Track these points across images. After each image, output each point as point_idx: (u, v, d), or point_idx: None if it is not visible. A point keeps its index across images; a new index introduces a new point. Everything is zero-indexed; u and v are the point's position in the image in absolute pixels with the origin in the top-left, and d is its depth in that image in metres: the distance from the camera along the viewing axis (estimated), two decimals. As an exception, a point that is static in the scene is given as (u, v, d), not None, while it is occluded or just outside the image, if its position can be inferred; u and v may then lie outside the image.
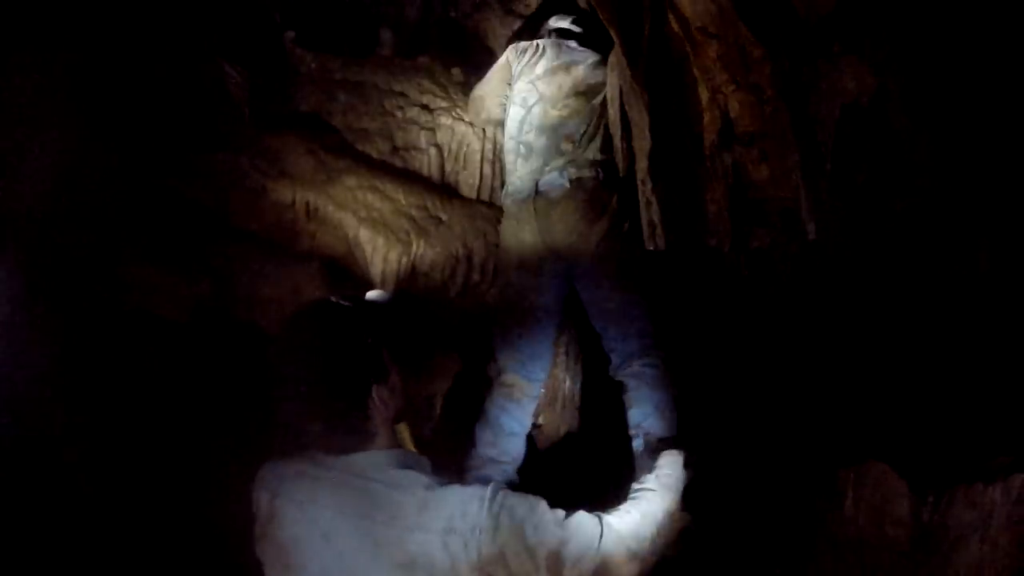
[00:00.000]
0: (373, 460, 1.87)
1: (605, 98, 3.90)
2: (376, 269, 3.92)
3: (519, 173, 3.85)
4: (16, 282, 3.21)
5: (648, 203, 3.70)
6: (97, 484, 3.22)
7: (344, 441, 1.88)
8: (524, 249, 3.78)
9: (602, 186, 3.81)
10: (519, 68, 4.01)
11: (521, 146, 3.86)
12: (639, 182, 3.71)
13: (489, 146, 4.27)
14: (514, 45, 4.15)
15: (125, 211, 3.53)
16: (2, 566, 2.91)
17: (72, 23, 3.56)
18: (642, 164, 3.65)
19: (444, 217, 4.09)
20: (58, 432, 3.20)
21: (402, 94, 4.34)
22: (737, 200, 3.66)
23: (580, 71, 3.93)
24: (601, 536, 1.93)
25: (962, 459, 3.06)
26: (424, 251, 3.99)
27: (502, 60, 4.12)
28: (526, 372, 3.79)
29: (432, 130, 4.34)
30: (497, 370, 3.83)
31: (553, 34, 4.10)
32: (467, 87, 4.31)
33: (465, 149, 4.35)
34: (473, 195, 4.31)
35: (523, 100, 3.94)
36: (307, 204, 3.89)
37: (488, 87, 4.17)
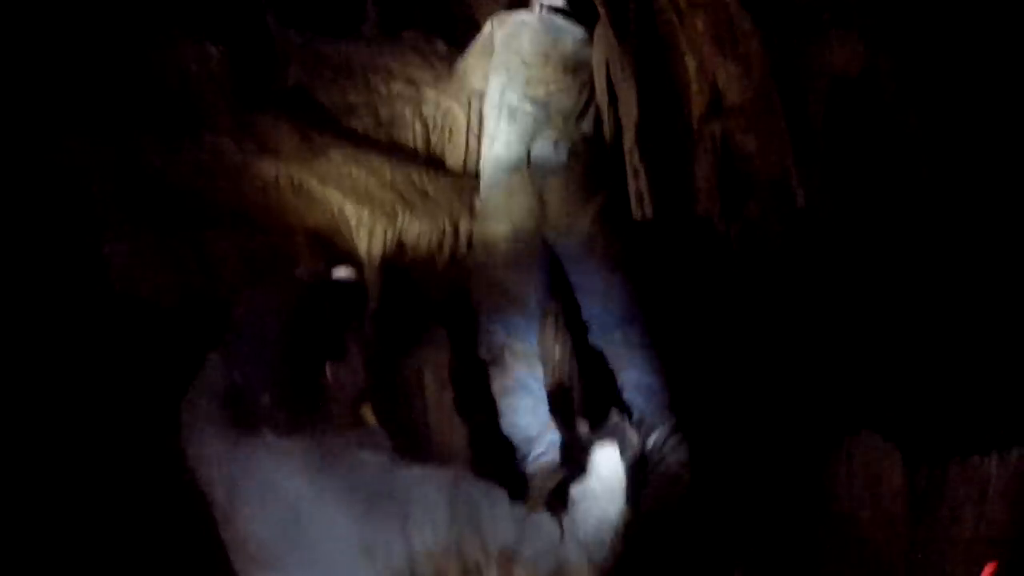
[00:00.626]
0: (330, 443, 1.81)
1: (592, 74, 3.88)
2: (362, 243, 3.88)
3: (505, 138, 3.80)
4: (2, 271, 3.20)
5: (636, 173, 3.68)
6: (85, 473, 3.19)
7: (295, 420, 1.81)
8: (514, 220, 3.74)
9: (595, 164, 3.79)
10: (502, 37, 3.97)
11: (505, 109, 3.82)
12: (626, 152, 3.70)
13: (475, 119, 4.20)
14: (496, 15, 4.11)
15: (108, 195, 3.50)
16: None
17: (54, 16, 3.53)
18: (629, 135, 3.64)
19: (430, 190, 4.05)
20: (45, 422, 3.17)
21: (387, 69, 4.29)
22: (726, 171, 3.65)
23: (568, 45, 3.90)
24: (561, 540, 1.87)
25: (957, 432, 3.06)
26: (410, 224, 3.94)
27: (485, 30, 4.09)
28: (528, 342, 3.76)
29: (417, 104, 4.29)
30: (495, 347, 3.77)
31: (544, 9, 4.04)
32: (452, 61, 4.25)
33: (451, 122, 4.30)
34: (459, 168, 4.27)
35: (506, 68, 3.90)
36: (292, 180, 3.84)
37: (471, 59, 4.14)
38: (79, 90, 3.60)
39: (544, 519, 1.89)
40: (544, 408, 3.72)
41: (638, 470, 3.51)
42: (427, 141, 4.32)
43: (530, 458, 3.61)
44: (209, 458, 1.90)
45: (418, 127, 4.28)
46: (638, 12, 3.56)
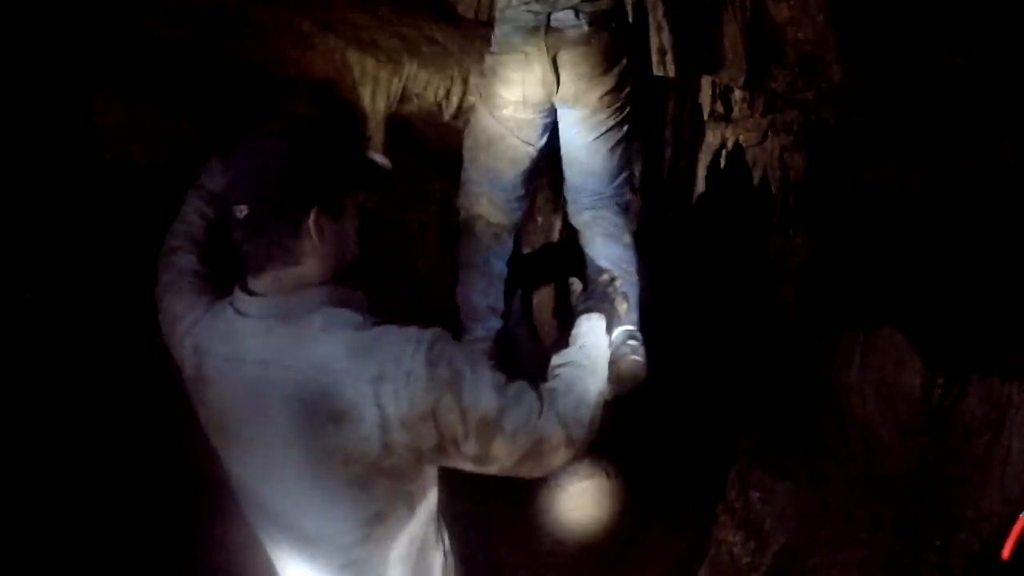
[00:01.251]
0: (301, 299, 1.70)
1: None
2: (366, 92, 3.68)
3: (515, 1, 3.52)
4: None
5: (659, 28, 3.49)
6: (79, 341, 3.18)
7: (267, 252, 1.71)
8: (525, 87, 3.53)
9: (614, 37, 3.53)
10: None
11: None
12: (649, 5, 3.47)
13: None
14: None
15: (97, 53, 3.27)
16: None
17: None
18: (654, -14, 3.40)
19: (439, 37, 3.81)
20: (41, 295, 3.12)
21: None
22: (755, 38, 3.43)
23: None
24: (541, 413, 1.73)
25: (980, 350, 3.01)
26: (417, 72, 3.74)
27: None
28: (509, 210, 3.64)
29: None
30: (474, 209, 3.64)
31: None
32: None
33: (462, -37, 3.95)
34: (471, 14, 3.98)
35: None
36: (291, 25, 3.57)
37: None
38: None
39: (525, 389, 1.76)
40: (498, 291, 3.66)
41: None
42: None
43: (468, 338, 3.60)
44: (181, 332, 1.86)
45: (429, -29, 3.93)
46: None
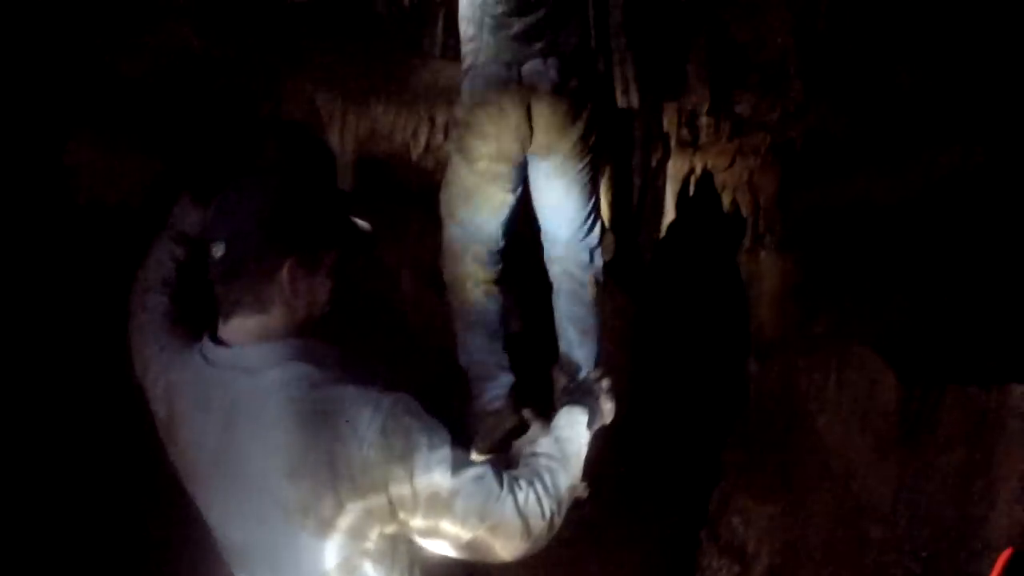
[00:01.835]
0: (265, 352, 1.66)
1: None
2: (335, 132, 3.74)
3: (489, 53, 3.59)
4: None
5: (622, 60, 3.53)
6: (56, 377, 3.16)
7: (238, 298, 1.67)
8: (500, 140, 3.59)
9: (582, 81, 3.63)
10: None
11: (487, 18, 3.58)
12: (612, 37, 3.53)
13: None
14: None
15: (68, 99, 3.32)
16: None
17: None
18: (616, 18, 3.46)
19: (406, 76, 3.87)
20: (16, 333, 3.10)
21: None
22: (718, 62, 3.49)
23: None
24: (499, 499, 1.68)
25: (957, 359, 2.99)
26: (384, 113, 3.79)
27: None
28: (494, 263, 3.67)
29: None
30: (459, 269, 3.67)
31: None
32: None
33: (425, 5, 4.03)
34: (436, 53, 4.05)
35: None
36: (261, 67, 3.65)
37: None
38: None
39: (486, 474, 1.69)
40: (500, 344, 3.67)
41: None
42: (403, 26, 4.04)
43: (484, 399, 3.60)
44: (154, 374, 1.83)
45: (394, 11, 4.00)
46: None
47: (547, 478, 1.84)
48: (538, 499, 1.74)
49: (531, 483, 1.78)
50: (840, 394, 3.09)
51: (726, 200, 3.59)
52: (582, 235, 3.68)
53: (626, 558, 3.63)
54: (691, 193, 3.67)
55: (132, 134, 3.41)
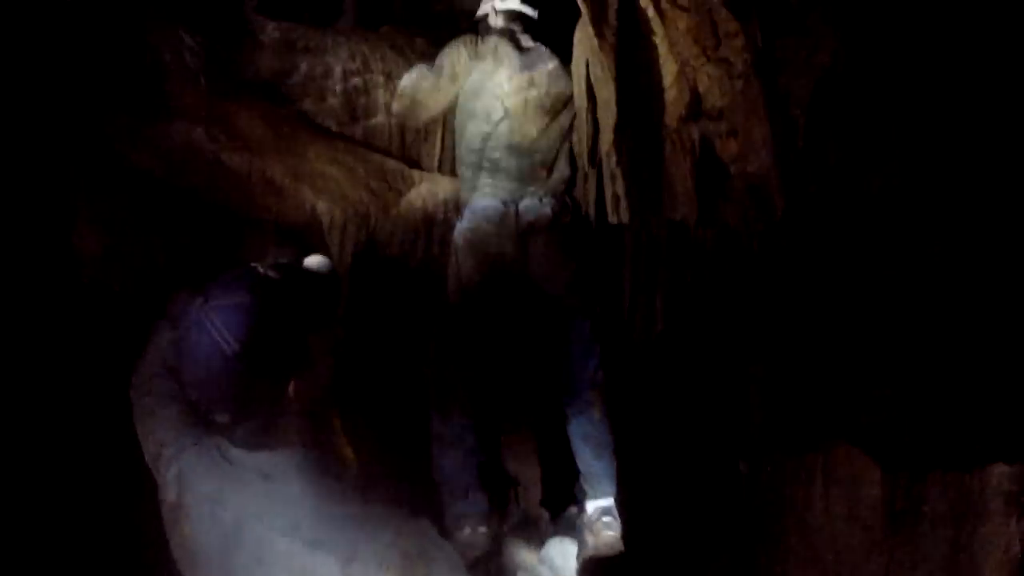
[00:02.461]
0: (282, 461, 1.72)
1: (571, 114, 3.89)
2: (334, 241, 3.84)
3: (486, 191, 3.78)
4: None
5: (612, 176, 3.68)
6: (57, 461, 3.13)
7: (252, 436, 1.71)
8: (495, 266, 3.74)
9: (577, 213, 3.84)
10: (479, 73, 3.86)
11: (486, 161, 3.77)
12: (603, 155, 3.70)
13: (451, 117, 4.12)
14: (468, 42, 3.92)
15: (78, 182, 3.43)
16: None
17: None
18: (607, 137, 3.63)
19: (404, 189, 4.02)
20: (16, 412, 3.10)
21: (364, 64, 4.23)
22: (704, 175, 3.63)
23: (543, 80, 3.83)
24: None
25: (938, 445, 3.03)
26: (383, 223, 3.92)
27: (453, 61, 3.89)
28: (482, 387, 3.78)
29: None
30: (444, 394, 3.76)
31: (501, 16, 3.97)
32: (430, 58, 4.14)
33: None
34: (434, 166, 4.25)
35: (487, 115, 3.81)
36: (264, 174, 3.76)
37: (437, 92, 3.93)
38: (50, 74, 3.52)
39: None
40: (474, 462, 3.72)
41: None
42: (402, 139, 4.27)
43: (454, 513, 3.61)
44: (167, 458, 1.83)
45: (393, 124, 4.22)
46: (620, 11, 3.53)
47: None
48: None
49: None
50: (828, 491, 3.11)
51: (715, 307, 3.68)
52: (589, 373, 3.77)
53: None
54: (681, 301, 3.76)
55: (138, 224, 3.50)
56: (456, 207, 4.00)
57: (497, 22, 3.95)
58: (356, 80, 4.20)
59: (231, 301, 1.70)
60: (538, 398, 4.05)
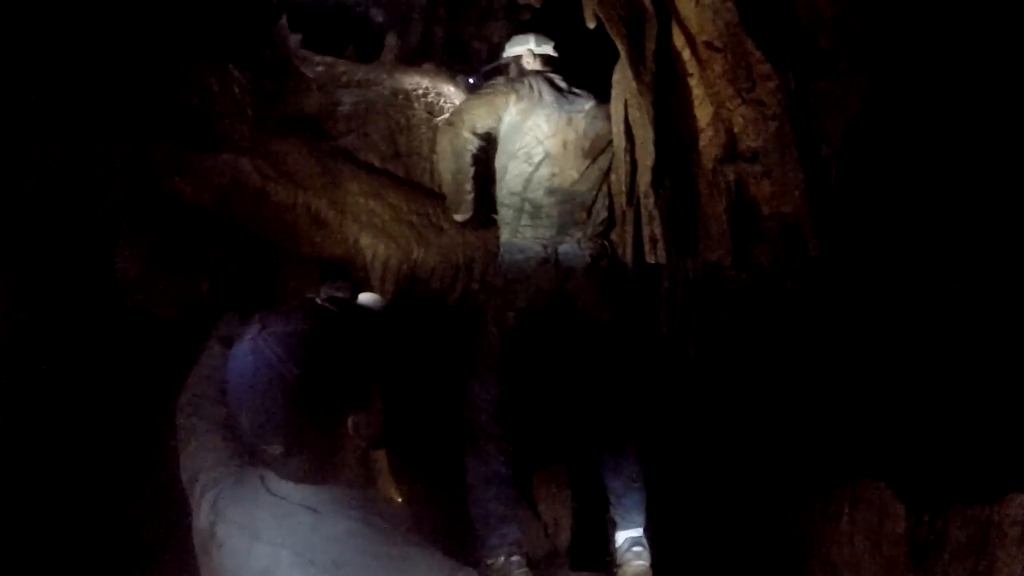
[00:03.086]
0: (330, 497, 1.62)
1: (609, 156, 3.92)
2: (376, 275, 3.92)
3: (527, 233, 3.79)
4: (15, 280, 3.20)
5: (651, 217, 3.70)
6: (91, 484, 3.20)
7: (304, 470, 1.62)
8: (533, 306, 3.78)
9: (613, 261, 3.88)
10: (519, 110, 3.87)
11: (527, 203, 3.80)
12: (641, 195, 3.71)
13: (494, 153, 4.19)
14: (508, 80, 4.01)
15: (126, 210, 3.52)
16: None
17: (77, 23, 3.54)
18: (645, 178, 3.65)
19: (445, 225, 4.09)
20: (55, 431, 3.17)
21: (406, 99, 4.33)
22: (738, 216, 3.66)
23: (582, 123, 3.88)
24: None
25: (959, 479, 3.07)
26: (424, 258, 3.98)
27: (500, 90, 3.93)
28: (514, 421, 3.83)
29: (435, 136, 4.27)
30: (477, 426, 3.80)
31: (538, 60, 4.08)
32: (471, 93, 4.22)
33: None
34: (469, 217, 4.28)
35: (527, 155, 3.83)
36: (308, 208, 3.87)
37: (484, 103, 3.94)
38: (104, 106, 3.62)
39: None
40: (508, 494, 3.75)
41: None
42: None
43: (489, 544, 3.65)
44: (204, 484, 1.79)
45: (435, 160, 4.24)
46: (657, 53, 3.58)
47: None
48: None
49: None
50: (852, 527, 3.15)
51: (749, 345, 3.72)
52: (620, 394, 3.81)
53: None
54: (715, 340, 3.80)
55: (180, 252, 3.59)
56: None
57: (534, 64, 4.03)
58: (398, 116, 4.29)
59: (291, 328, 1.62)
60: (571, 433, 4.07)
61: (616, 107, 3.78)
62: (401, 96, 4.33)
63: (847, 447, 3.38)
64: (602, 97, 3.91)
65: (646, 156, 3.61)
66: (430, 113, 4.30)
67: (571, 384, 3.96)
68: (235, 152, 3.88)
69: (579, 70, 4.03)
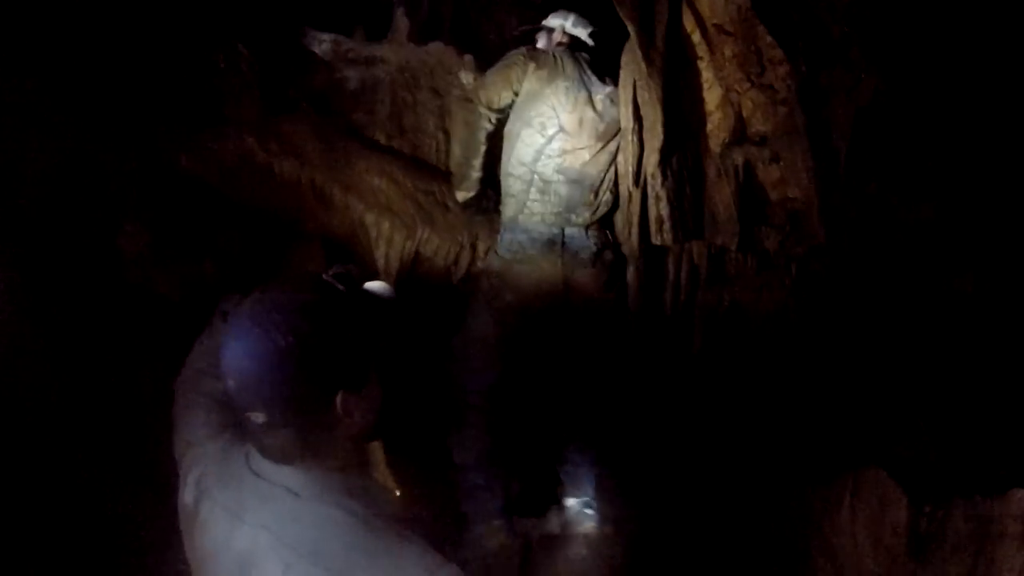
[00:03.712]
0: (311, 480, 1.60)
1: (618, 141, 3.88)
2: (380, 252, 3.90)
3: (535, 209, 3.78)
4: (17, 258, 3.19)
5: (657, 198, 3.69)
6: (93, 466, 3.18)
7: (285, 448, 1.59)
8: (533, 297, 3.77)
9: (617, 255, 3.91)
10: (539, 77, 3.84)
11: (536, 177, 3.80)
12: (648, 176, 3.70)
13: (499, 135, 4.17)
14: (529, 50, 3.96)
15: (131, 185, 3.50)
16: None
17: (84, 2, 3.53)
18: (652, 159, 3.64)
19: (450, 203, 4.08)
20: (55, 412, 3.15)
21: (413, 78, 4.30)
22: (746, 200, 3.66)
23: (599, 104, 3.83)
24: None
25: (961, 471, 3.06)
26: (429, 236, 3.97)
27: (517, 60, 3.91)
28: (502, 399, 3.83)
29: (441, 115, 4.31)
30: (467, 415, 3.81)
31: (567, 38, 4.03)
32: (478, 74, 4.20)
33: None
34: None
35: (541, 125, 3.81)
36: (313, 184, 3.85)
37: (500, 77, 3.93)
38: (110, 85, 3.60)
39: None
40: (497, 471, 3.78)
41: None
42: (448, 154, 4.32)
43: (473, 519, 3.67)
44: (192, 459, 1.77)
45: (441, 138, 4.29)
46: (667, 36, 3.56)
47: None
48: None
49: None
50: (854, 516, 3.15)
51: (753, 330, 3.71)
52: (603, 383, 3.81)
53: None
54: (719, 325, 3.79)
55: (185, 229, 3.57)
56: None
57: (563, 39, 4.00)
58: (405, 94, 4.26)
59: (292, 298, 1.60)
60: (550, 414, 4.05)
61: (625, 88, 3.76)
62: (408, 74, 4.31)
63: (850, 436, 3.37)
64: (614, 78, 3.88)
65: (654, 138, 3.60)
66: (436, 92, 4.27)
67: (553, 369, 3.94)
68: (241, 129, 3.87)
69: (597, 57, 4.00)
